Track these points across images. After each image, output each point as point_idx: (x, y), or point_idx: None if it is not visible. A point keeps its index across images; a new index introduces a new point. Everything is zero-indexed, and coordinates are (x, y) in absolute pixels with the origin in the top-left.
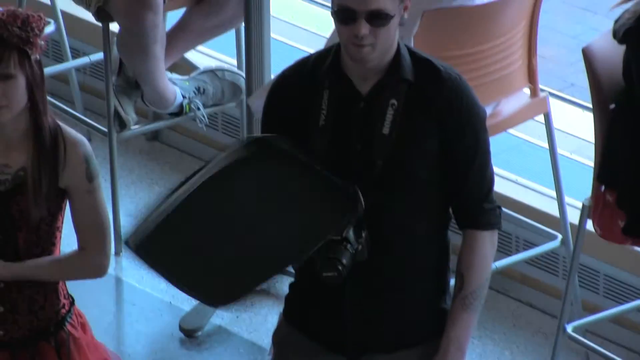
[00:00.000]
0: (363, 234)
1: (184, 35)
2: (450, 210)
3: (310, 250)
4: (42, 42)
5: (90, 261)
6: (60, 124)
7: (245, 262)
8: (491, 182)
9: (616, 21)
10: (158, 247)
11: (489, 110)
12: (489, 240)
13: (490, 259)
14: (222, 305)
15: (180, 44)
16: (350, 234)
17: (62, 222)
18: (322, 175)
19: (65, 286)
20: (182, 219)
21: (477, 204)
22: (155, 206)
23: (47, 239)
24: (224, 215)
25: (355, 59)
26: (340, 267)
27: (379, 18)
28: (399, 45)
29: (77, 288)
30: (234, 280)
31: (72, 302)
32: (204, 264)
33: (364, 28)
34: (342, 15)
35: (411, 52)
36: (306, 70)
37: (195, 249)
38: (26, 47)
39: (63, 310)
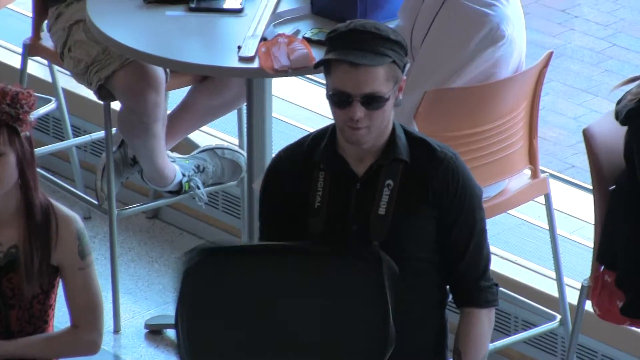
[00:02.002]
0: None
1: (188, 115)
2: (448, 288)
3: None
4: (32, 119)
5: (83, 338)
6: (52, 200)
7: None
8: (488, 260)
9: (618, 102)
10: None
11: (493, 191)
12: (486, 317)
13: (488, 336)
14: None
15: (184, 125)
16: None
17: (55, 300)
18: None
19: None
20: None
21: (475, 282)
22: None
23: (40, 317)
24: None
25: (351, 141)
26: None
27: (374, 101)
28: (394, 125)
29: None
30: None
31: None
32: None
33: (359, 111)
34: (337, 98)
35: (406, 132)
36: (302, 151)
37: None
38: (16, 124)
39: None
